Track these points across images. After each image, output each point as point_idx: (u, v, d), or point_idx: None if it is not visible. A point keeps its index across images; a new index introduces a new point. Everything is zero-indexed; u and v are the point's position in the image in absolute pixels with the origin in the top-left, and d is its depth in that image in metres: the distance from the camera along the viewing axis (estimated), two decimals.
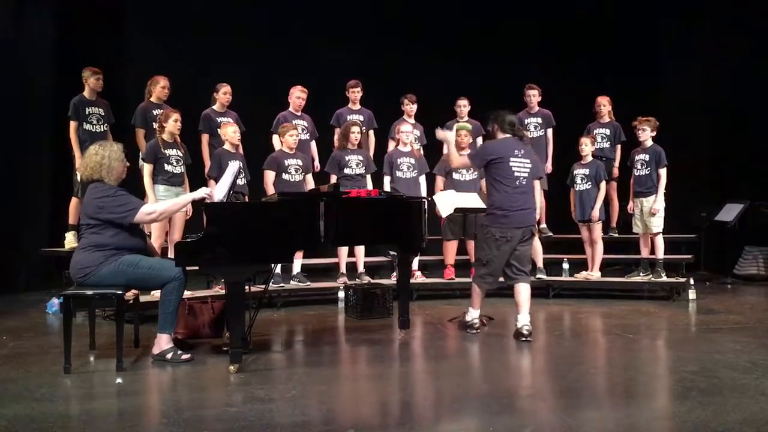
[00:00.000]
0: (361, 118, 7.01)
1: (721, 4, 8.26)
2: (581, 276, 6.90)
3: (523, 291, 4.90)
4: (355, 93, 7.12)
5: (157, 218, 4.40)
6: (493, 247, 4.85)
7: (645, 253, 6.81)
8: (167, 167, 5.63)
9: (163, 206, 4.37)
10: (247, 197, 6.10)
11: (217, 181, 5.84)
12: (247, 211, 4.36)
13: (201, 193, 4.30)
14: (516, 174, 4.82)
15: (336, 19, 8.53)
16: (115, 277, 4.03)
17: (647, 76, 8.77)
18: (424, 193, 6.66)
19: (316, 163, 7.01)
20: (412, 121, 7.19)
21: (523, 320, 4.84)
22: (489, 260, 4.89)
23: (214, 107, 6.55)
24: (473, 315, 5.06)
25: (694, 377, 3.77)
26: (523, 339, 4.77)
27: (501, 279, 5.02)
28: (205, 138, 6.48)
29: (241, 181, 5.93)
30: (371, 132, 7.23)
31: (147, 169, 5.61)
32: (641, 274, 6.79)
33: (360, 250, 6.76)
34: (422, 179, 6.82)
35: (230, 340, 4.02)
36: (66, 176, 6.42)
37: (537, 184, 6.73)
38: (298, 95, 6.82)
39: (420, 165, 6.82)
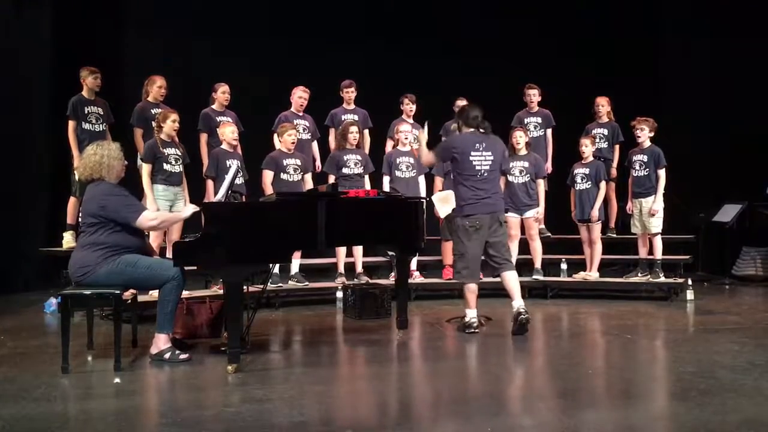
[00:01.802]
0: (356, 117, 7.01)
1: (721, 4, 8.27)
2: (579, 276, 6.89)
3: (510, 278, 4.99)
4: (350, 93, 7.13)
5: (157, 226, 4.49)
6: (464, 238, 4.95)
7: (643, 253, 6.80)
8: (166, 167, 5.63)
9: (164, 216, 4.58)
10: (245, 197, 6.09)
11: (214, 181, 5.87)
12: (245, 211, 4.36)
13: (191, 211, 4.36)
14: (477, 168, 4.94)
15: (335, 19, 8.53)
16: (113, 277, 4.02)
17: (647, 76, 8.76)
18: (423, 193, 6.66)
19: (317, 163, 7.00)
20: (411, 120, 7.19)
21: (518, 303, 4.91)
22: (463, 252, 4.98)
23: (213, 107, 6.55)
24: (470, 315, 5.05)
25: (692, 378, 3.77)
26: (522, 318, 4.82)
27: (482, 278, 5.09)
28: (203, 137, 6.47)
29: (239, 181, 5.93)
30: (366, 132, 7.22)
31: (146, 168, 5.61)
32: (639, 274, 6.79)
33: (358, 250, 6.76)
34: (421, 179, 6.82)
35: (228, 340, 4.01)
36: (64, 176, 6.41)
37: (541, 182, 6.77)
38: (300, 95, 6.82)
39: (419, 165, 6.80)
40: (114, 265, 4.03)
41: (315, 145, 7.06)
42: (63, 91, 6.49)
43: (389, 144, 7.14)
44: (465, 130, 5.12)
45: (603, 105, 7.42)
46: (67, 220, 6.24)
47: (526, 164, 6.60)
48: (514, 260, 5.33)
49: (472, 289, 5.03)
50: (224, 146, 6.02)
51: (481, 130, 5.06)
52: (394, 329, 5.21)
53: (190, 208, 4.39)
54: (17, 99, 7.11)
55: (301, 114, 6.88)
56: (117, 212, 4.06)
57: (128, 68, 7.78)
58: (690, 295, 6.59)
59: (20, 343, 4.79)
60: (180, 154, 5.75)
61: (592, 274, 6.81)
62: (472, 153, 4.95)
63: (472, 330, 5.01)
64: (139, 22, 8.19)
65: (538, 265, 6.83)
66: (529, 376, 4.21)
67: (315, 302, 6.55)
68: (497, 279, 5.16)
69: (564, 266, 7.25)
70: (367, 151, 7.00)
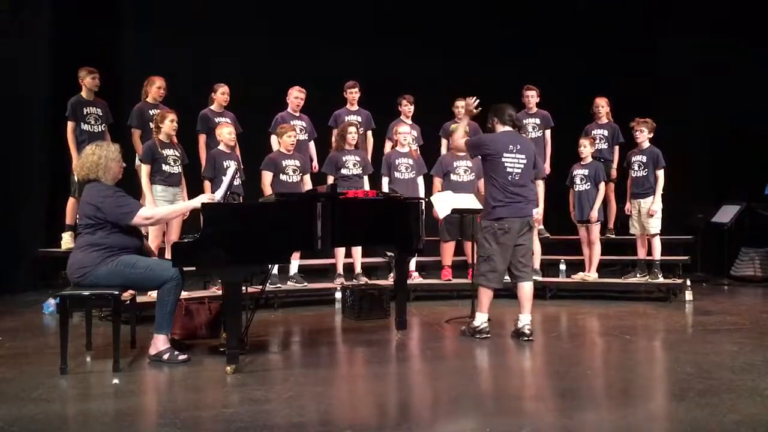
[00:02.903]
0: (359, 118, 7.01)
1: (720, 4, 8.28)
2: (578, 277, 6.90)
3: (527, 289, 4.87)
4: (353, 94, 7.12)
5: (154, 223, 4.49)
6: (492, 240, 4.80)
7: (642, 254, 6.81)
8: (165, 167, 5.63)
9: (161, 213, 4.49)
10: (242, 198, 6.09)
11: (212, 182, 5.86)
12: (244, 211, 4.35)
13: (199, 201, 4.28)
14: (509, 170, 4.77)
15: (335, 20, 8.53)
16: (112, 278, 4.02)
17: (647, 77, 8.77)
18: (422, 194, 6.66)
19: (314, 163, 7.00)
20: (410, 121, 7.19)
21: (525, 320, 4.84)
22: (490, 255, 4.80)
23: (212, 107, 6.55)
24: (482, 319, 4.90)
25: (690, 378, 3.78)
26: (525, 339, 4.77)
27: (507, 278, 4.99)
28: (202, 138, 6.47)
29: (236, 182, 5.92)
30: (369, 133, 7.23)
31: (144, 169, 5.61)
32: (638, 275, 6.80)
33: (357, 250, 6.76)
34: (420, 180, 6.82)
35: (227, 340, 4.01)
36: (63, 176, 6.41)
37: (540, 183, 6.77)
38: (296, 95, 6.81)
39: (418, 166, 6.82)
40: (113, 266, 4.02)
41: (312, 144, 7.06)
42: (62, 92, 6.48)
43: (388, 145, 7.13)
44: (500, 129, 4.92)
45: (602, 105, 7.43)
46: (66, 220, 6.24)
47: None
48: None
49: (489, 293, 4.89)
50: (221, 147, 6.01)
51: (517, 128, 4.96)
52: (393, 330, 5.21)
53: (203, 197, 4.30)
54: (16, 99, 7.09)
55: (297, 114, 6.87)
56: (111, 214, 4.05)
57: (127, 68, 7.79)
58: (689, 295, 6.59)
59: (19, 343, 4.79)
60: (179, 154, 5.75)
61: (591, 275, 6.82)
62: (505, 154, 4.77)
63: (485, 335, 4.87)
64: (138, 22, 8.19)
65: (537, 265, 6.82)
66: (529, 376, 4.22)
67: (314, 303, 6.54)
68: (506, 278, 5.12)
69: (563, 267, 7.27)
70: (370, 152, 6.99)
